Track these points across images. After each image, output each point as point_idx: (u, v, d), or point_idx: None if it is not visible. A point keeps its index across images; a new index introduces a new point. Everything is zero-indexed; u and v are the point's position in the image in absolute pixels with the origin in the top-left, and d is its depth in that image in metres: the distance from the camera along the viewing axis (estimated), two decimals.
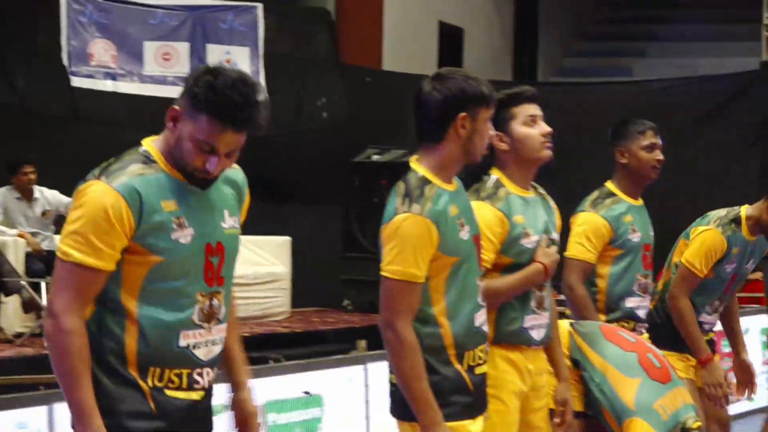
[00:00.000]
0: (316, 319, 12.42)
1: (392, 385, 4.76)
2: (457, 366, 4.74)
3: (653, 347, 6.25)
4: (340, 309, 12.87)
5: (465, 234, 4.74)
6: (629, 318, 6.55)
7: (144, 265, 3.98)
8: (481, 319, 4.82)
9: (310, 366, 8.36)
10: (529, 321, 5.36)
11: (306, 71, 14.89)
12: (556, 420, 5.56)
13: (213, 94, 3.89)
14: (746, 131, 14.71)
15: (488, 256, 5.23)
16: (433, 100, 4.73)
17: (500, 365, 5.32)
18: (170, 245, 3.99)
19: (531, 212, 5.39)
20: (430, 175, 4.72)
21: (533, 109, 5.41)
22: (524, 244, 5.31)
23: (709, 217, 7.08)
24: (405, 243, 4.61)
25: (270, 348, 9.38)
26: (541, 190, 5.56)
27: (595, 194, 6.55)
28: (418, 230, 4.60)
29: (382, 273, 4.65)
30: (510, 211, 5.30)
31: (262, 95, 3.95)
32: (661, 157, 6.55)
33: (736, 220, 6.96)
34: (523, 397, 5.37)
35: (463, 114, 4.71)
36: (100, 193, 3.93)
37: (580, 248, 6.50)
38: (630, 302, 6.58)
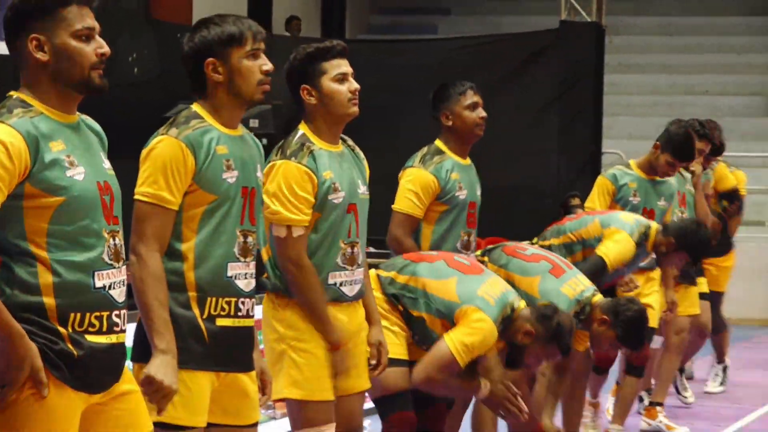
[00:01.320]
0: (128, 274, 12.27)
1: (137, 329, 4.57)
2: (195, 311, 4.56)
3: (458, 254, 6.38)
4: None
5: (231, 177, 4.58)
6: None
7: (46, 209, 3.85)
8: (236, 271, 4.64)
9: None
10: (337, 277, 5.33)
11: (117, 26, 14.68)
12: (372, 361, 5.57)
13: None
14: (547, 88, 14.90)
15: (305, 214, 5.22)
16: (184, 57, 4.69)
17: (310, 318, 5.30)
18: (67, 183, 3.88)
19: (339, 166, 5.36)
20: (204, 114, 4.60)
21: (344, 66, 5.35)
22: (332, 199, 5.28)
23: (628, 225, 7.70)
24: (156, 165, 4.48)
25: None
26: (350, 142, 5.54)
27: (424, 150, 6.60)
28: (171, 152, 4.46)
29: (134, 197, 4.49)
30: (317, 167, 5.25)
31: None
32: (483, 114, 6.61)
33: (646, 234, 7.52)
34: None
35: (210, 60, 4.62)
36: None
37: (408, 202, 6.54)
38: None
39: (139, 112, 14.02)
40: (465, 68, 14.24)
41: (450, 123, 6.65)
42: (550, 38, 15.62)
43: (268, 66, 4.67)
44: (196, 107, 4.65)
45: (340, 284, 5.36)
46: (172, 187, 4.48)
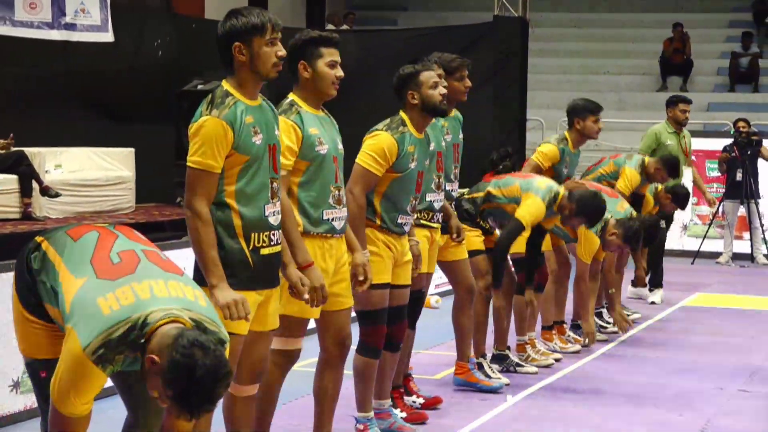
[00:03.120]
0: (156, 213, 12.22)
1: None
2: (243, 244, 4.65)
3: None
4: (174, 204, 12.67)
5: (258, 140, 4.65)
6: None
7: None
8: (270, 210, 4.72)
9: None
10: (330, 214, 5.27)
11: (144, 19, 14.56)
12: (360, 278, 5.53)
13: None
14: (483, 69, 14.82)
15: (289, 159, 5.16)
16: (217, 39, 4.68)
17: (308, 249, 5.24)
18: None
19: (322, 126, 5.29)
20: (232, 90, 4.64)
21: (336, 55, 5.28)
22: (319, 150, 5.22)
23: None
24: (205, 139, 4.53)
25: None
26: (326, 112, 5.45)
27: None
28: (215, 130, 4.52)
29: (188, 163, 4.58)
30: (303, 123, 5.20)
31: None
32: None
33: None
34: (328, 273, 5.30)
35: (236, 43, 4.63)
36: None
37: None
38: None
39: (162, 85, 13.95)
40: (419, 53, 14.16)
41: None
42: (486, 29, 15.57)
43: (282, 52, 4.72)
44: (225, 85, 4.69)
45: (332, 220, 5.29)
46: (216, 156, 4.56)
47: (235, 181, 4.63)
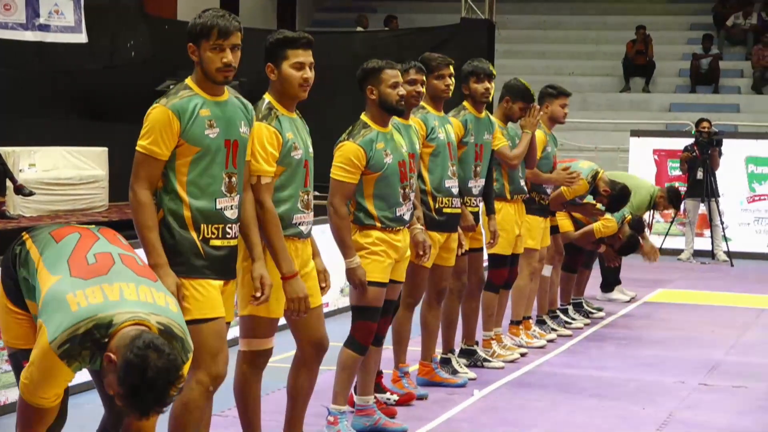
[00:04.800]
0: (129, 211, 12.18)
1: None
2: (193, 235, 4.62)
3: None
4: None
5: (212, 134, 4.63)
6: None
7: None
8: (223, 204, 4.68)
9: None
10: (298, 219, 5.23)
11: (118, 20, 14.50)
12: (322, 284, 5.45)
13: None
14: None
15: (272, 167, 5.09)
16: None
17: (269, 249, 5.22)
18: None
19: (296, 129, 5.24)
20: (193, 85, 4.66)
21: (302, 57, 5.16)
22: (294, 155, 5.16)
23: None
24: (152, 126, 4.56)
25: None
26: (298, 113, 5.37)
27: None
28: (161, 118, 4.54)
29: (136, 147, 4.61)
30: (282, 129, 5.14)
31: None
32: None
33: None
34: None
35: (189, 44, 4.68)
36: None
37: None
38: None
39: (135, 86, 13.88)
40: (388, 54, 14.13)
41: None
42: (453, 31, 15.61)
43: (228, 59, 4.64)
44: (188, 80, 4.71)
45: (299, 224, 5.23)
46: (160, 143, 4.56)
47: (186, 172, 4.61)
